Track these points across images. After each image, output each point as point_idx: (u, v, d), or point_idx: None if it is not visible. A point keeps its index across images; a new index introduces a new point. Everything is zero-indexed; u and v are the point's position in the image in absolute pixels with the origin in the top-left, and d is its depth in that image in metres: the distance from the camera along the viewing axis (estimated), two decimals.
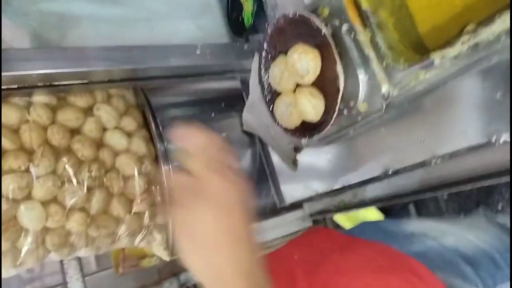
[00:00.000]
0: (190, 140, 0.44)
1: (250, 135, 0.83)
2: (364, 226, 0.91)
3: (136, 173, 0.69)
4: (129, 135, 0.72)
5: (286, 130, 0.61)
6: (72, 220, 0.61)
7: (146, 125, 0.77)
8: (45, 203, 0.59)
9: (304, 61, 0.53)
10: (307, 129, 0.58)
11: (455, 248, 0.68)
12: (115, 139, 0.68)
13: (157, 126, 0.73)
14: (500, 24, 0.36)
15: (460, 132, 0.44)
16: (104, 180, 0.65)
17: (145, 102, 0.74)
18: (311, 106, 0.54)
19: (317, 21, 0.50)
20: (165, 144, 0.72)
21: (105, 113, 0.68)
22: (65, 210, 0.60)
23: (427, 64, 0.43)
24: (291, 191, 0.79)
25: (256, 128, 0.78)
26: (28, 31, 0.66)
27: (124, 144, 0.69)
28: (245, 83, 0.79)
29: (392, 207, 1.42)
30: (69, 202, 0.60)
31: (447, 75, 0.42)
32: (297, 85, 0.57)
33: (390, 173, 0.55)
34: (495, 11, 0.37)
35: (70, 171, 0.60)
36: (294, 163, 0.72)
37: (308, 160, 0.70)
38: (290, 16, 0.54)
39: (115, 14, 0.74)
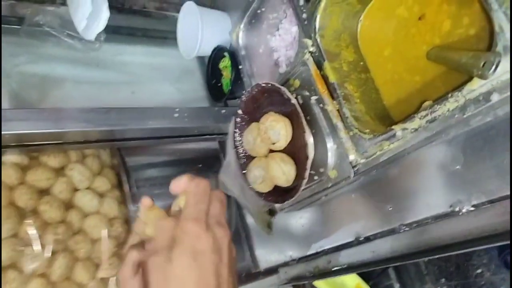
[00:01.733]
0: (189, 185, 0.43)
1: (226, 197, 0.82)
2: None
3: (105, 236, 0.66)
4: (101, 195, 0.70)
5: (259, 194, 0.61)
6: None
7: (120, 185, 0.76)
8: (3, 269, 0.56)
9: (275, 128, 0.54)
10: (279, 193, 0.59)
11: None
12: (86, 200, 0.67)
13: (131, 187, 0.72)
14: (453, 102, 0.39)
15: (424, 201, 0.45)
16: (70, 243, 0.63)
17: (121, 162, 0.74)
18: (281, 172, 0.55)
19: (287, 92, 0.53)
20: (138, 206, 0.71)
21: (78, 174, 0.67)
22: (24, 277, 0.57)
23: (390, 136, 0.45)
24: (266, 255, 0.77)
25: (232, 189, 0.78)
26: (7, 91, 0.67)
27: (95, 206, 0.67)
28: (222, 145, 0.80)
29: (372, 271, 1.39)
30: (29, 267, 0.56)
31: (409, 146, 0.44)
32: (270, 151, 0.59)
33: (361, 239, 0.55)
34: (449, 90, 0.40)
35: (34, 234, 0.58)
36: (269, 226, 0.71)
37: (283, 224, 0.70)
38: (263, 85, 0.57)
39: (98, 77, 0.77)
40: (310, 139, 0.52)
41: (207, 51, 0.78)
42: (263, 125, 0.56)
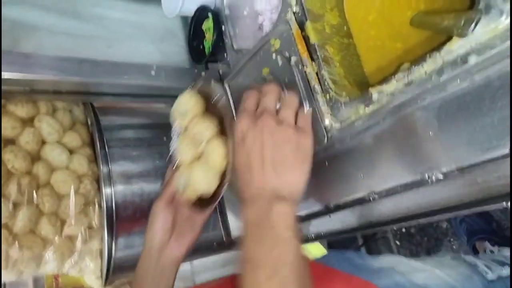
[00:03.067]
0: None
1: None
2: (331, 256, 0.87)
3: (72, 192, 0.65)
4: (71, 151, 0.68)
5: (186, 202, 0.60)
6: None
7: (92, 144, 0.73)
8: None
9: (199, 129, 0.56)
10: (203, 201, 0.59)
11: (424, 286, 0.66)
12: (54, 154, 0.64)
13: (103, 146, 0.69)
14: (431, 63, 0.38)
15: (395, 169, 0.45)
16: (35, 196, 0.61)
17: (94, 119, 0.71)
18: (201, 181, 0.55)
19: (215, 93, 0.54)
20: (109, 166, 0.69)
21: (47, 126, 0.65)
22: None
23: (366, 99, 0.43)
24: (239, 223, 0.77)
25: None
26: None
27: (64, 160, 0.65)
28: None
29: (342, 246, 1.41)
30: None
31: (385, 111, 0.43)
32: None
33: (331, 207, 0.55)
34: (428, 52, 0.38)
35: None
36: None
37: None
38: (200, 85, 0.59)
39: (73, 27, 0.73)
40: (229, 145, 0.52)
41: (190, 10, 0.75)
42: (191, 125, 0.56)
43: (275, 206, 0.43)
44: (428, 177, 0.42)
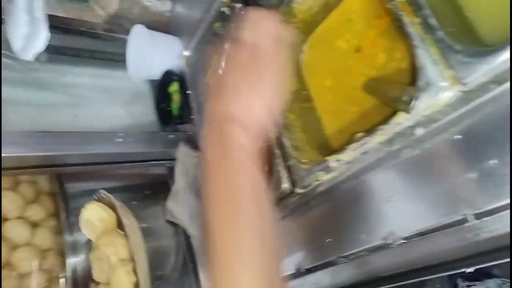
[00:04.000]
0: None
1: (174, 225, 0.79)
2: None
3: (35, 270, 0.62)
4: (34, 225, 0.66)
5: None
6: None
7: (57, 214, 0.71)
8: None
9: (108, 253, 0.54)
10: None
11: None
12: (16, 232, 0.62)
13: (68, 215, 0.67)
14: (382, 135, 0.39)
15: (359, 233, 0.45)
16: None
17: (59, 189, 0.70)
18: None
19: (120, 212, 0.54)
20: (74, 235, 0.66)
21: (8, 202, 0.62)
22: None
23: (324, 167, 0.44)
24: None
25: (180, 218, 0.75)
26: None
27: (26, 237, 0.63)
28: (171, 171, 0.77)
29: None
30: None
31: (344, 178, 0.44)
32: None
33: (303, 271, 0.54)
34: (377, 124, 0.40)
35: None
36: None
37: None
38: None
39: (39, 99, 0.73)
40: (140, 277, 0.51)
41: (156, 74, 0.77)
42: (99, 244, 0.55)
43: (225, 127, 0.38)
44: (392, 241, 0.42)
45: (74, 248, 0.65)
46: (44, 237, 0.64)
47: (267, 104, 0.39)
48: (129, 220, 0.56)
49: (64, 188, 0.70)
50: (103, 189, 0.78)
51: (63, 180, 0.72)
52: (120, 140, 0.68)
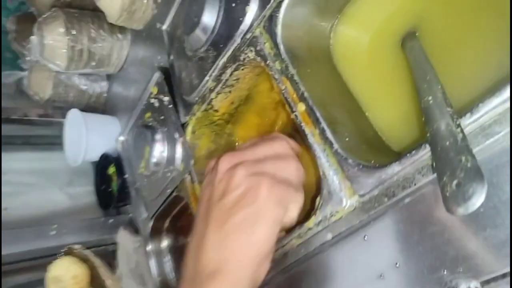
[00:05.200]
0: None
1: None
2: None
3: None
4: None
5: None
6: None
7: None
8: None
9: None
10: None
11: None
12: None
13: None
14: (298, 238, 0.40)
15: None
16: None
17: None
18: None
19: (101, 271, 0.52)
20: None
21: None
22: None
23: None
24: None
25: None
26: None
27: None
28: (113, 254, 0.75)
29: None
30: None
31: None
32: None
33: None
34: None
35: None
36: None
37: None
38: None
39: None
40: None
41: (94, 157, 0.76)
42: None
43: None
44: None
45: None
46: None
47: (264, 251, 0.33)
48: (111, 279, 0.52)
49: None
50: (39, 281, 0.74)
51: None
52: (53, 232, 0.66)
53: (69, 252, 0.55)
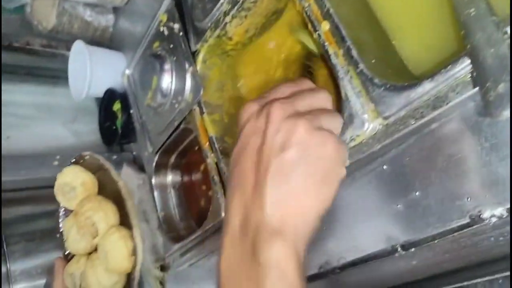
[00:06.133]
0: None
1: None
2: None
3: None
4: None
5: None
6: None
7: None
8: None
9: (93, 219, 0.49)
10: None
11: None
12: None
13: (0, 245, 0.63)
14: None
15: (364, 238, 0.43)
16: None
17: None
18: (98, 285, 0.48)
19: (112, 173, 0.49)
20: (8, 266, 0.62)
21: None
22: None
23: None
24: None
25: None
26: None
27: None
28: None
29: None
30: None
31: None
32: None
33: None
34: None
35: None
36: (161, 284, 0.66)
37: (176, 278, 0.65)
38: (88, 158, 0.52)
39: None
40: (137, 241, 0.47)
41: (98, 92, 0.74)
42: (82, 211, 0.49)
43: (264, 247, 0.28)
44: (397, 248, 0.40)
45: (8, 279, 0.61)
46: None
47: (324, 209, 0.31)
48: (123, 183, 0.51)
49: None
50: (39, 213, 0.74)
51: None
52: (56, 163, 0.64)
53: (79, 161, 0.53)
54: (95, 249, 0.51)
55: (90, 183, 0.50)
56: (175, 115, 0.55)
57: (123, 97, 0.70)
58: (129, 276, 0.50)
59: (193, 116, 0.53)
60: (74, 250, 0.51)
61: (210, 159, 0.50)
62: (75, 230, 0.50)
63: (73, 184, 0.49)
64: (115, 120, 0.75)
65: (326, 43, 0.36)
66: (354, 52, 0.35)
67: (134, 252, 0.48)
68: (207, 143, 0.51)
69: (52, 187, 0.67)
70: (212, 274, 0.61)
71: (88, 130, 0.82)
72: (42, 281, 0.65)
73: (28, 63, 0.76)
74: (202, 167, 0.60)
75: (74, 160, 0.53)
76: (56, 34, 0.74)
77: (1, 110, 0.70)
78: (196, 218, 0.59)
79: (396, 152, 0.36)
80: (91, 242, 0.49)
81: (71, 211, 0.53)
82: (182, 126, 0.55)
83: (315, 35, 0.37)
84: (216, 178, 0.49)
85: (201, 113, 0.52)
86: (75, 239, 0.49)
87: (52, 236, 0.69)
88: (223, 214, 0.47)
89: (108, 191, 0.51)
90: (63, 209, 0.53)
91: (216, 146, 0.50)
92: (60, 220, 0.54)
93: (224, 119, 0.53)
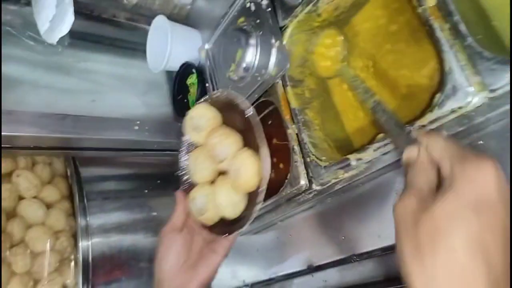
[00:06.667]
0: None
1: None
2: None
3: (48, 250, 0.63)
4: (48, 206, 0.67)
5: (203, 226, 0.52)
6: None
7: (71, 196, 0.72)
8: None
9: (224, 144, 0.50)
10: (226, 224, 0.52)
11: None
12: (31, 210, 0.63)
13: (81, 199, 0.68)
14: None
15: (375, 232, 0.46)
16: (8, 255, 0.59)
17: (74, 172, 0.70)
18: (230, 202, 0.49)
19: (243, 103, 0.50)
20: (87, 219, 0.67)
21: (25, 181, 0.63)
22: None
23: (344, 165, 0.45)
24: (218, 279, 0.75)
25: None
26: None
27: (40, 216, 0.64)
28: None
29: None
30: None
31: (363, 176, 0.45)
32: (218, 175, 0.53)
33: (313, 267, 0.55)
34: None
35: None
36: None
37: (237, 247, 0.68)
38: (216, 95, 0.54)
39: (58, 82, 0.74)
40: (263, 159, 0.48)
41: (175, 66, 0.78)
42: (210, 140, 0.51)
43: None
44: None
45: (87, 231, 0.66)
46: (57, 219, 0.65)
47: None
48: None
49: (78, 172, 0.71)
50: (115, 176, 0.79)
51: (78, 163, 0.73)
52: (137, 127, 0.69)
53: (207, 100, 0.55)
54: (219, 174, 0.52)
55: (215, 118, 0.53)
56: (256, 88, 0.58)
57: (199, 71, 0.74)
58: (252, 195, 0.50)
59: (275, 89, 0.55)
60: (200, 178, 0.53)
61: (291, 130, 0.52)
62: (201, 158, 0.52)
63: (202, 119, 0.52)
64: (187, 93, 0.79)
65: (431, 18, 0.37)
66: (462, 27, 0.35)
67: (259, 172, 0.48)
68: (289, 115, 0.53)
69: (130, 150, 0.72)
70: (274, 245, 0.64)
71: (158, 103, 0.86)
72: (115, 237, 0.70)
73: (113, 35, 0.81)
74: (274, 141, 0.62)
75: (201, 100, 0.56)
76: (139, 8, 0.79)
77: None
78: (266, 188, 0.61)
79: (494, 128, 0.36)
80: (218, 166, 0.51)
81: (193, 149, 0.56)
82: (262, 99, 0.58)
83: (419, 10, 0.38)
84: (297, 148, 0.51)
85: (284, 86, 0.54)
86: (202, 167, 0.52)
87: (125, 198, 0.74)
88: (301, 182, 0.49)
89: (230, 121, 0.53)
90: (185, 145, 0.57)
91: (298, 117, 0.52)
92: (181, 159, 0.57)
93: (305, 93, 0.54)
